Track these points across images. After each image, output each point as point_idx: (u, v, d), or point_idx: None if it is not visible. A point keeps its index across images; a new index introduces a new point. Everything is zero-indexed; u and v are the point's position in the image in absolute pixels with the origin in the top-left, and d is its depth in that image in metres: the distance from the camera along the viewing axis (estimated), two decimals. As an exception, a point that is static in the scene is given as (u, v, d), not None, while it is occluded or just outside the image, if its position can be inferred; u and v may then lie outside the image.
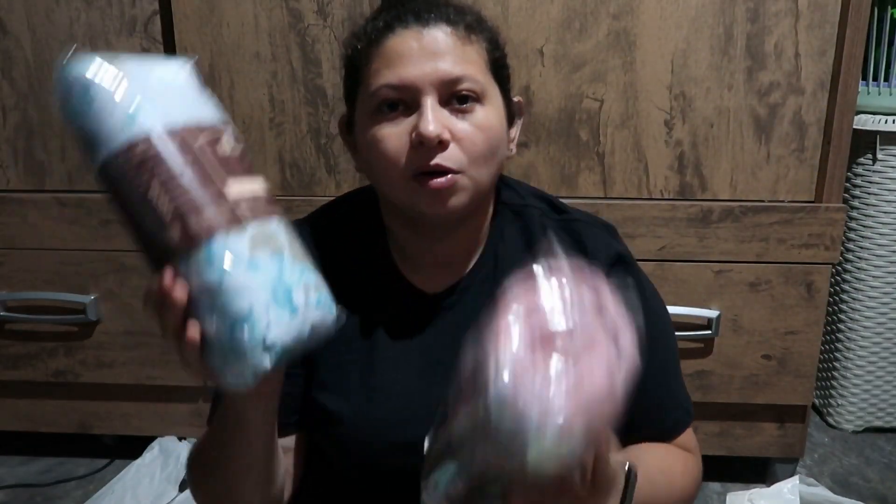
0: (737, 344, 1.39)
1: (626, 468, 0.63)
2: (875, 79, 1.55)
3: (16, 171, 1.42)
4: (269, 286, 0.53)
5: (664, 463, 0.78)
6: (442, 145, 0.67)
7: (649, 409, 0.79)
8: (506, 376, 0.48)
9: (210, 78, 1.33)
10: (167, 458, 1.48)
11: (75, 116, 0.54)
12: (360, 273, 0.79)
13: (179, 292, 0.53)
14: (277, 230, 0.56)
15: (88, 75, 0.54)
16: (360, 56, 0.71)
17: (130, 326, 1.46)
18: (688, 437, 0.84)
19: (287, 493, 0.77)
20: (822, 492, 1.36)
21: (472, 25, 0.72)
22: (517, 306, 0.52)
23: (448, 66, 0.68)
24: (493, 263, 0.79)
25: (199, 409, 1.53)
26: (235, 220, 0.54)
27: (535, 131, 1.31)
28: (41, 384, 1.53)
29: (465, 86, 0.69)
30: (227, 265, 0.52)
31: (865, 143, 1.56)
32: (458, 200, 0.69)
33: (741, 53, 1.27)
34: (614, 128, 1.31)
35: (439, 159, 0.67)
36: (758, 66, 1.28)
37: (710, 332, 1.37)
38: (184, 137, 0.55)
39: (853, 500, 1.33)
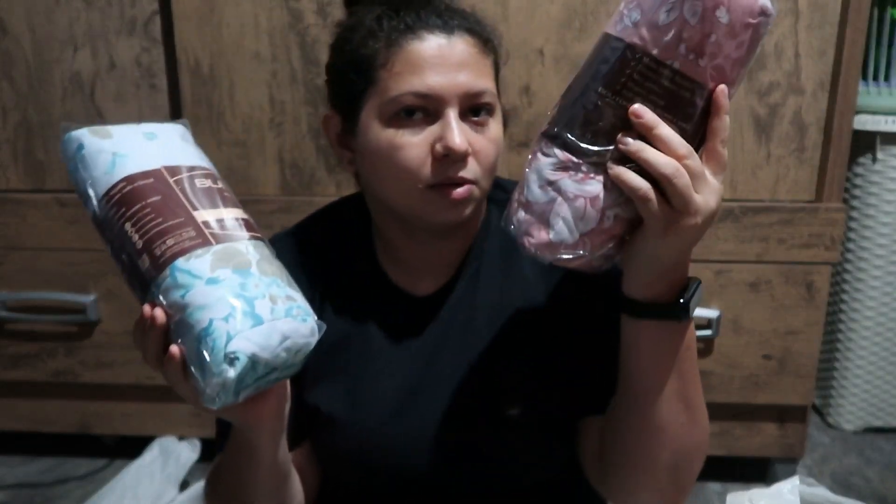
0: (737, 344, 1.39)
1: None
2: (875, 79, 1.55)
3: (16, 171, 1.43)
4: (229, 299, 0.55)
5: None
6: (464, 158, 0.68)
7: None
8: None
9: (210, 78, 1.33)
10: (167, 458, 1.48)
11: (73, 177, 0.62)
12: (348, 279, 0.79)
13: (158, 316, 0.56)
14: (246, 249, 0.59)
15: (80, 140, 0.61)
16: (375, 55, 0.69)
17: (130, 326, 1.45)
18: None
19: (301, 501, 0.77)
20: (822, 492, 1.36)
21: (489, 38, 0.72)
22: None
23: (472, 79, 0.68)
24: (479, 260, 0.79)
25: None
26: (198, 243, 0.57)
27: (535, 131, 1.31)
28: (41, 384, 1.53)
29: (484, 100, 0.69)
30: (188, 285, 0.55)
31: (865, 143, 1.56)
32: (470, 209, 0.71)
33: (741, 53, 1.27)
34: (614, 128, 1.31)
35: (462, 172, 0.68)
36: (758, 66, 1.28)
37: (710, 332, 1.37)
38: (155, 177, 0.60)
39: (853, 500, 1.32)
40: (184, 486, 1.48)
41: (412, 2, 0.71)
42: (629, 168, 0.54)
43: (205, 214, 0.58)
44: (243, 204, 0.62)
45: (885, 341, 1.67)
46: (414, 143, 0.68)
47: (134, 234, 0.57)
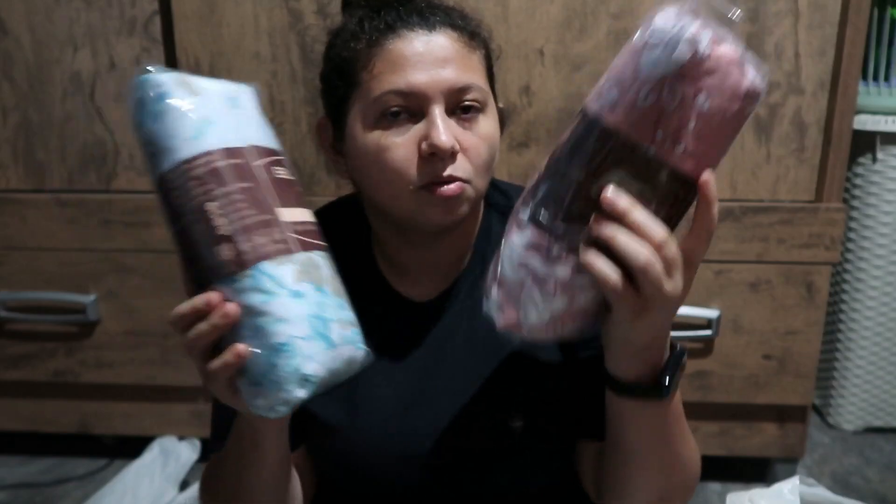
0: (737, 344, 1.39)
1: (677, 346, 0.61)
2: (875, 79, 1.55)
3: (16, 171, 1.42)
4: (310, 318, 0.53)
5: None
6: (452, 156, 0.66)
7: None
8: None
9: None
10: (167, 458, 1.48)
11: (145, 125, 0.56)
12: (347, 284, 0.78)
13: (232, 312, 0.53)
14: (321, 262, 0.57)
15: (164, 88, 0.56)
16: (357, 57, 0.68)
17: (130, 326, 1.46)
18: None
19: None
20: (822, 492, 1.36)
21: (475, 32, 0.71)
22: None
23: (456, 74, 0.66)
24: (481, 267, 0.77)
25: (198, 410, 1.53)
26: (284, 248, 0.54)
27: (535, 131, 1.31)
28: (41, 384, 1.53)
29: (471, 95, 0.67)
30: (272, 292, 0.53)
31: (865, 143, 1.56)
32: (463, 209, 0.69)
33: (741, 53, 1.27)
34: (614, 128, 1.31)
35: (450, 170, 0.66)
36: (758, 66, 1.28)
37: (710, 332, 1.36)
38: (245, 158, 0.56)
39: (853, 500, 1.32)
40: (184, 486, 1.48)
41: (392, 1, 0.70)
42: (601, 253, 0.52)
43: (288, 214, 0.56)
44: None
45: (885, 341, 1.67)
46: (399, 144, 0.66)
47: (218, 217, 0.53)
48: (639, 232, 0.51)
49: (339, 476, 0.79)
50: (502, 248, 0.57)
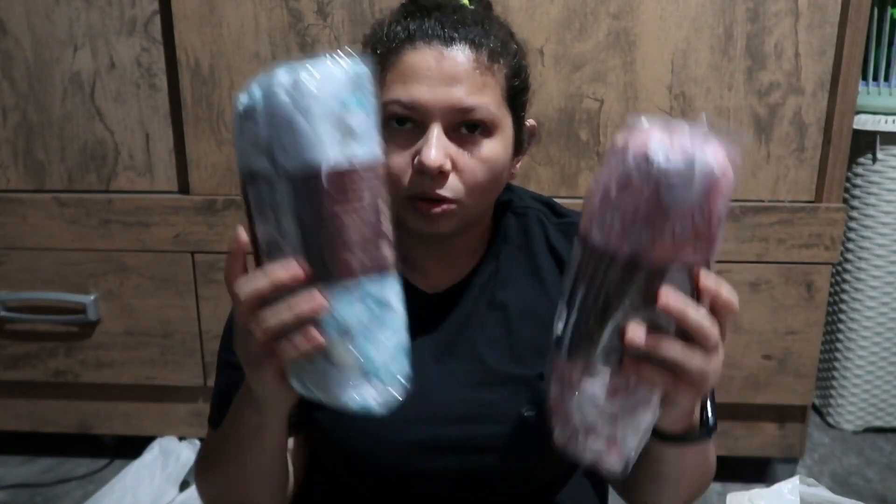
0: (737, 344, 1.39)
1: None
2: (875, 79, 1.55)
3: (16, 171, 1.42)
4: (401, 334, 0.56)
5: None
6: (442, 175, 0.67)
7: None
8: None
9: (210, 78, 1.33)
10: (167, 458, 1.48)
11: (283, 119, 0.51)
12: None
13: (326, 313, 0.52)
14: (400, 285, 0.58)
15: (311, 86, 0.51)
16: (376, 63, 0.69)
17: (130, 326, 1.46)
18: None
19: (289, 492, 0.78)
20: (822, 492, 1.36)
21: (497, 51, 0.69)
22: None
23: (462, 94, 0.66)
24: (495, 265, 0.79)
25: (198, 409, 1.53)
26: (388, 264, 0.55)
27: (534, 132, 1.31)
28: (41, 384, 1.53)
29: (476, 116, 0.67)
30: (390, 302, 0.55)
31: (865, 143, 1.56)
32: (448, 225, 0.69)
33: (741, 53, 1.27)
34: (614, 128, 1.31)
35: (439, 189, 0.67)
36: (758, 66, 1.28)
37: (710, 332, 1.36)
38: (375, 173, 0.54)
39: (853, 500, 1.32)
40: (184, 486, 1.48)
41: (420, 9, 0.70)
42: (656, 367, 0.55)
43: (388, 228, 0.56)
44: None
45: (885, 341, 1.67)
46: (397, 153, 0.67)
47: (346, 227, 0.53)
48: (695, 332, 0.55)
49: (346, 462, 0.80)
50: (575, 399, 0.58)
